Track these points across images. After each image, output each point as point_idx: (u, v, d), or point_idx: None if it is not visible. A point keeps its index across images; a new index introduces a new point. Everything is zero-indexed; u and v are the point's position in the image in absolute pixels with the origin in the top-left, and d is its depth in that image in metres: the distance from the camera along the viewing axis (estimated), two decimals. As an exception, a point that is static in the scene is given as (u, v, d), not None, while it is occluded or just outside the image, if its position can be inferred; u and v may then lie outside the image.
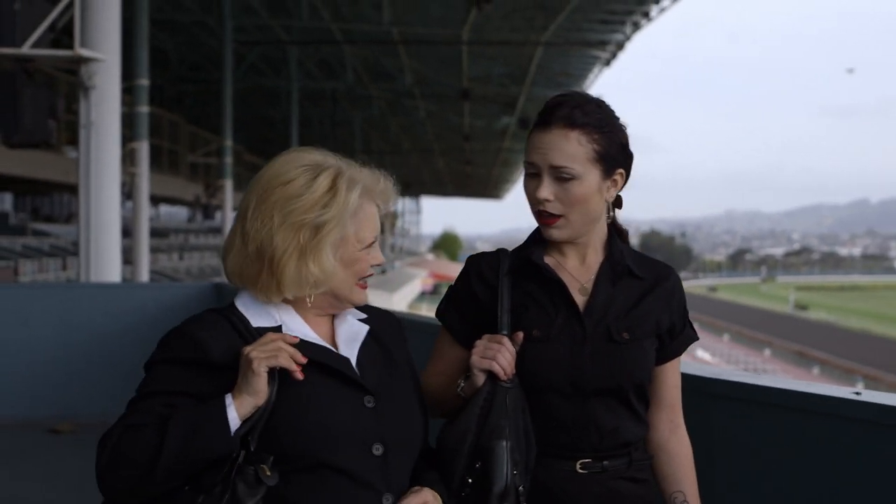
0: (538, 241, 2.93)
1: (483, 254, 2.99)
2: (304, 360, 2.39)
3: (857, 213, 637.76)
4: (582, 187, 2.80)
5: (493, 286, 2.88)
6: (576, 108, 2.80)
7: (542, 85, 41.42)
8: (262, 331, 2.49)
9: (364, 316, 2.73)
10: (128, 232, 20.65)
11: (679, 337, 2.96)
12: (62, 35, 11.18)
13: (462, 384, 2.76)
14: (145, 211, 20.21)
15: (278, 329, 2.52)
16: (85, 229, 11.12)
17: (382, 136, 62.26)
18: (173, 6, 30.82)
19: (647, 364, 2.88)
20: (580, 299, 2.85)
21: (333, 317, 2.68)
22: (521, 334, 2.76)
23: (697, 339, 3.05)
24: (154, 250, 34.82)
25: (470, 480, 2.64)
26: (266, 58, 39.12)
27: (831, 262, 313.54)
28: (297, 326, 2.56)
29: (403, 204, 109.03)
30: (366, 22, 32.28)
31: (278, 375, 2.39)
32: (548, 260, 2.91)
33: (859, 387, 3.16)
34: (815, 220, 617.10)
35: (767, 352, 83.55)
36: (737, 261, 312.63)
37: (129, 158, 19.26)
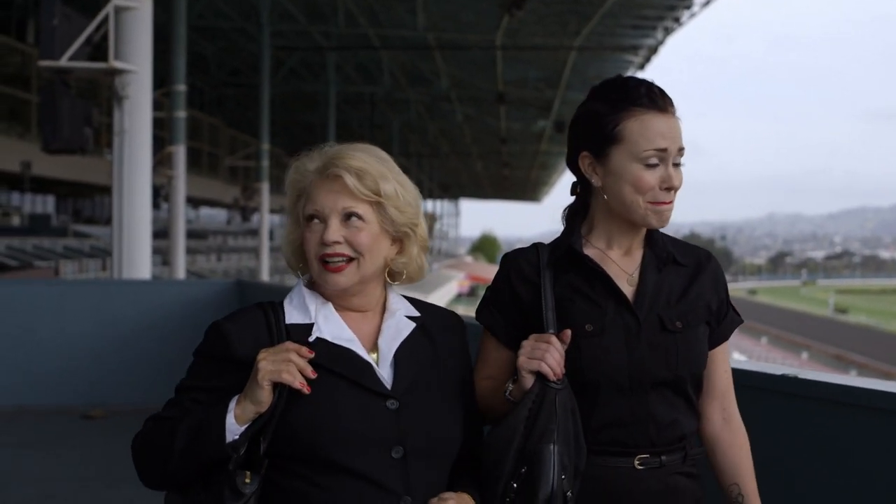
0: (574, 233, 2.82)
1: (520, 250, 2.88)
2: (312, 375, 2.40)
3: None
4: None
5: (535, 283, 2.77)
6: None
7: (577, 89, 41.56)
8: (293, 328, 2.54)
9: (417, 314, 2.69)
10: (166, 233, 21.22)
11: (725, 320, 2.87)
12: (99, 47, 11.75)
13: (510, 387, 2.65)
14: (182, 213, 20.71)
15: (310, 327, 2.55)
16: (118, 230, 11.65)
17: (420, 139, 62.53)
18: (214, 13, 31.32)
19: (703, 351, 2.79)
20: (628, 290, 2.76)
21: (383, 309, 2.67)
22: (568, 332, 2.62)
23: (742, 321, 2.95)
24: (192, 252, 35.23)
25: (515, 486, 2.55)
26: (305, 62, 39.51)
27: (872, 265, 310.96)
28: (331, 325, 2.57)
29: (442, 206, 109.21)
30: (401, 27, 32.59)
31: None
32: (590, 251, 2.80)
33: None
34: (858, 223, 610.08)
35: (805, 355, 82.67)
36: (777, 264, 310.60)
37: (166, 161, 19.86)
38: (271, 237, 43.74)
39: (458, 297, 78.80)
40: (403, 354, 2.57)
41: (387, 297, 2.69)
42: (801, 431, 3.40)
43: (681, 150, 2.71)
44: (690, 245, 2.90)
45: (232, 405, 2.40)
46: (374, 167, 2.56)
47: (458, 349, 2.72)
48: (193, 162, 41.52)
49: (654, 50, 34.91)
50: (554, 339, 2.60)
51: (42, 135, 12.30)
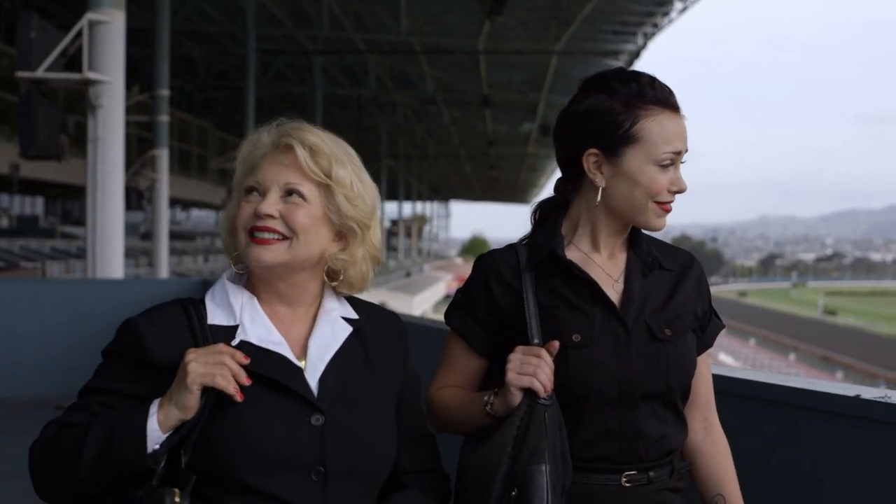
0: (554, 234, 2.62)
1: (496, 251, 2.68)
2: (247, 382, 2.18)
3: (893, 217, 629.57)
4: None
5: (515, 288, 2.58)
6: None
7: (562, 92, 41.85)
8: (216, 329, 2.30)
9: (354, 316, 2.46)
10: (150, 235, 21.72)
11: (709, 327, 2.72)
12: (74, 59, 12.32)
13: (492, 401, 2.45)
14: (165, 215, 21.26)
15: (234, 329, 2.31)
16: (91, 231, 12.23)
17: (409, 142, 62.72)
18: (201, 17, 31.71)
19: (693, 361, 2.63)
20: (613, 296, 2.58)
21: (317, 311, 2.43)
22: (556, 344, 2.44)
23: (724, 326, 2.81)
24: (180, 253, 35.67)
25: None
26: (292, 66, 39.95)
27: (863, 267, 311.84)
28: (257, 327, 2.33)
29: (433, 208, 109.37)
30: (386, 32, 33.00)
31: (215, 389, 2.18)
32: (573, 254, 2.62)
33: (882, 388, 3.15)
34: (850, 226, 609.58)
35: (792, 356, 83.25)
36: (768, 266, 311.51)
37: (150, 164, 20.37)
38: (258, 238, 44.09)
39: (446, 298, 79.24)
40: (334, 362, 2.35)
41: (323, 295, 2.46)
42: (781, 439, 3.21)
43: (686, 152, 2.60)
44: (672, 247, 2.78)
45: (153, 410, 2.15)
46: (331, 148, 2.39)
47: (398, 358, 2.50)
48: (183, 164, 41.97)
49: (635, 55, 35.28)
50: (544, 352, 2.42)
51: (19, 142, 12.88)
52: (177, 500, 2.12)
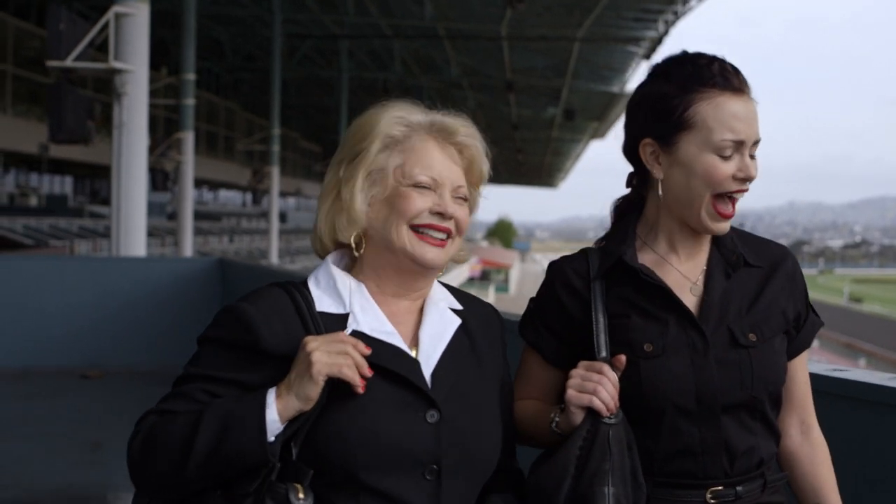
0: (627, 236, 2.48)
1: (566, 258, 2.54)
2: (369, 374, 2.08)
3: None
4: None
5: (584, 297, 2.45)
6: None
7: (585, 77, 42.01)
8: (326, 317, 2.20)
9: (459, 307, 2.37)
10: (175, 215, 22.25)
11: (805, 325, 2.51)
12: (100, 49, 12.89)
13: (557, 419, 2.34)
14: (190, 196, 21.80)
15: (344, 318, 2.21)
16: (116, 212, 12.85)
17: (435, 125, 62.73)
18: (228, 0, 32.11)
19: (782, 367, 2.45)
20: (691, 300, 2.42)
21: (423, 303, 2.33)
22: (623, 358, 2.31)
23: (822, 324, 2.58)
24: (206, 233, 36.09)
25: None
26: (319, 49, 40.26)
27: (891, 254, 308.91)
28: (368, 317, 2.23)
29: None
30: (410, 17, 33.24)
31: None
32: (647, 256, 2.47)
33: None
34: (879, 213, 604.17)
35: (816, 343, 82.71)
36: (795, 252, 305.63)
37: (175, 147, 20.94)
38: (283, 219, 44.54)
39: (471, 281, 79.84)
40: (445, 354, 2.26)
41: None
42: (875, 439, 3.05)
43: (757, 142, 2.41)
44: (764, 240, 2.55)
45: (271, 399, 2.05)
46: (484, 145, 2.37)
47: (497, 349, 2.42)
48: (210, 145, 42.45)
49: (657, 41, 35.37)
50: (606, 368, 2.30)
51: (49, 128, 13.48)
52: (301, 496, 2.03)
